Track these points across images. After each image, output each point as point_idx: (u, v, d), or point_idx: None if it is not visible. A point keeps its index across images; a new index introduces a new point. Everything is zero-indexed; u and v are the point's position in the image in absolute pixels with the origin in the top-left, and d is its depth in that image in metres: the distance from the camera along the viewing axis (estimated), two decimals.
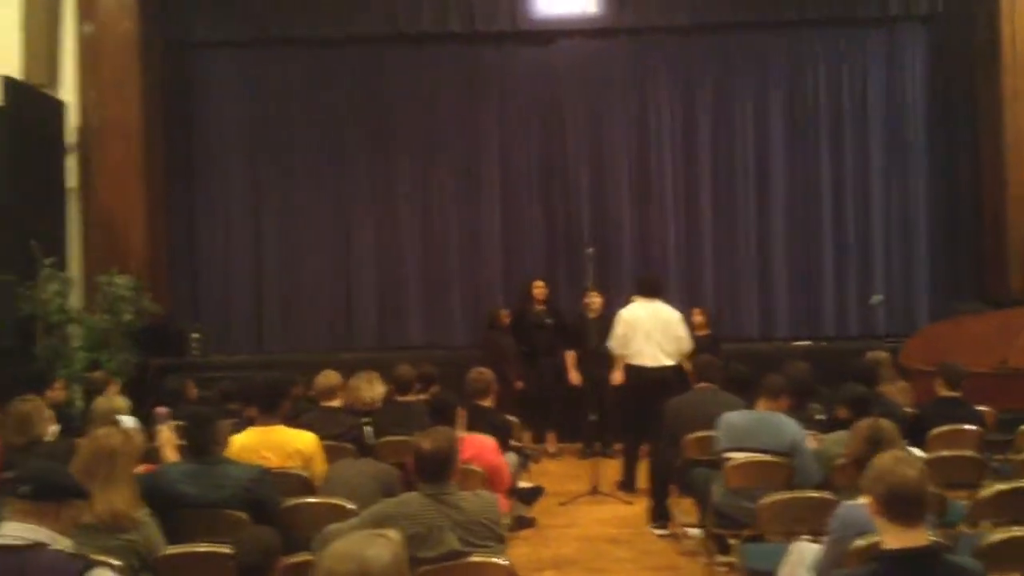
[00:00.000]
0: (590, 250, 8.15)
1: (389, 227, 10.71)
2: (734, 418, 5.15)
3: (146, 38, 9.74)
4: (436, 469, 3.46)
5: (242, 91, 10.70)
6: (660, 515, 6.44)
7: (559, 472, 8.12)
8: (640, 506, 6.98)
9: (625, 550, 6.05)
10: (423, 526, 3.32)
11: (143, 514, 3.49)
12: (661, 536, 6.33)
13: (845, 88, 10.59)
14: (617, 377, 8.25)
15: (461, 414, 5.02)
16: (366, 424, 5.77)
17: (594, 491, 7.33)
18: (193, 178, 10.73)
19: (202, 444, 4.11)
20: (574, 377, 8.73)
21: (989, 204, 10.02)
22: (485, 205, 10.69)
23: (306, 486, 4.72)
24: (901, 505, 2.59)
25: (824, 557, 3.59)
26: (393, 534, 2.09)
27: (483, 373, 5.92)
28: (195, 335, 9.94)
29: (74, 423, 7.04)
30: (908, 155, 10.56)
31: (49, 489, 2.71)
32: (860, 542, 3.38)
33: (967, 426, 5.55)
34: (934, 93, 10.52)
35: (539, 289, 9.13)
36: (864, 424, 3.81)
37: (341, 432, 5.47)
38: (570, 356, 8.80)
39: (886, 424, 3.82)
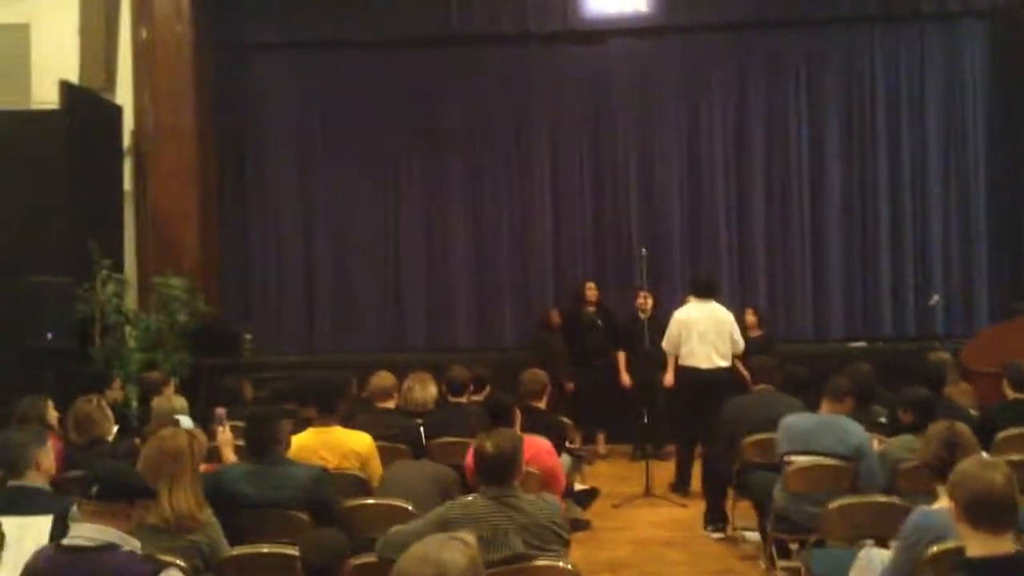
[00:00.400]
0: (644, 251, 8.07)
1: (439, 228, 10.70)
2: (797, 420, 5.05)
3: (200, 42, 9.88)
4: (499, 471, 3.43)
5: (295, 93, 10.76)
6: (716, 518, 6.36)
7: (611, 474, 8.07)
8: (694, 509, 6.91)
9: (680, 553, 5.98)
10: (487, 529, 3.28)
11: (207, 515, 3.50)
12: (717, 539, 6.26)
13: (903, 86, 10.36)
14: (669, 379, 8.21)
15: (518, 415, 4.98)
16: (420, 425, 5.80)
17: (647, 493, 7.27)
18: (245, 180, 10.81)
19: (263, 444, 4.13)
20: (625, 379, 8.69)
21: None
22: (536, 206, 10.63)
23: (362, 487, 4.74)
24: (986, 511, 2.51)
25: (894, 563, 3.50)
26: (469, 538, 2.06)
27: (537, 374, 5.88)
28: (247, 336, 10.03)
29: (131, 423, 7.17)
30: (968, 154, 10.30)
31: (119, 489, 2.72)
32: (935, 548, 3.31)
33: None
34: (995, 90, 10.25)
35: (591, 291, 9.10)
36: (940, 428, 3.68)
37: (395, 433, 5.46)
38: (621, 357, 8.75)
39: (962, 428, 3.70)
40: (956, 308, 10.23)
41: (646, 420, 7.67)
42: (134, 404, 8.03)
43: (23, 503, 3.46)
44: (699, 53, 10.56)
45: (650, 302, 8.57)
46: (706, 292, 7.39)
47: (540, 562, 3.30)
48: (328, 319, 10.77)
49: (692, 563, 5.76)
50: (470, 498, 3.49)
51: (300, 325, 10.76)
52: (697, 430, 7.28)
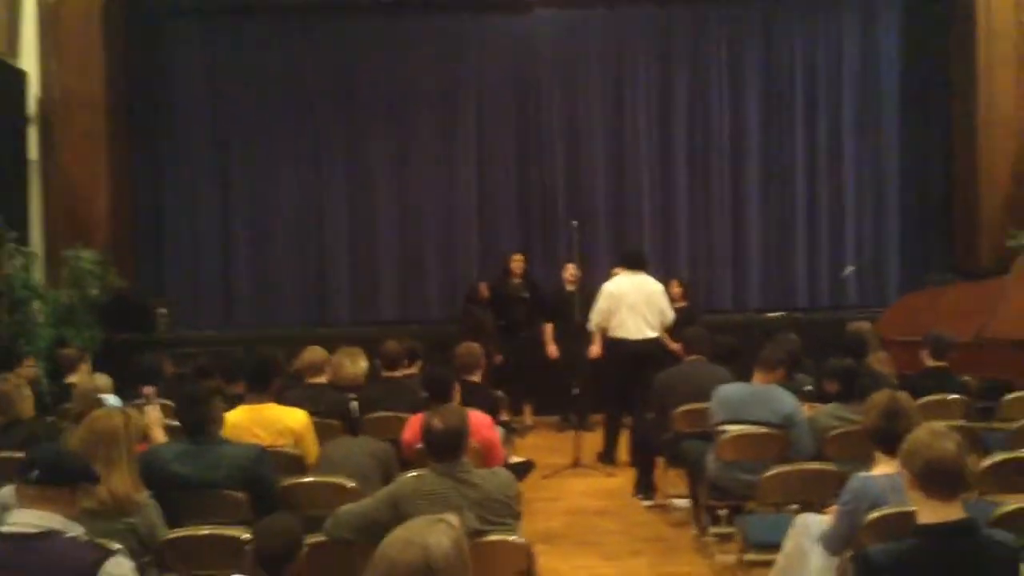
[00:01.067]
0: (575, 223, 8.07)
1: (363, 200, 10.53)
2: (730, 391, 5.14)
3: (110, 6, 9.44)
4: (449, 447, 3.39)
5: (209, 61, 10.43)
6: (646, 487, 6.46)
7: (539, 445, 8.09)
8: (622, 478, 7.01)
9: (613, 522, 6.05)
10: (440, 505, 3.24)
11: (144, 497, 3.38)
12: (647, 507, 6.34)
13: (820, 61, 10.59)
14: (595, 350, 8.26)
15: (457, 390, 4.95)
16: (352, 400, 5.71)
17: (576, 464, 7.33)
18: (159, 150, 10.44)
19: (198, 423, 4.00)
20: (552, 350, 8.71)
21: (960, 177, 10.12)
22: (461, 178, 10.55)
23: (298, 464, 4.64)
24: (939, 479, 2.58)
25: (835, 528, 3.59)
26: (453, 519, 2.02)
27: (472, 348, 5.84)
28: (162, 310, 9.72)
29: (44, 401, 6.88)
30: (881, 128, 10.60)
31: (60, 473, 2.59)
32: (875, 514, 3.40)
33: (953, 396, 5.59)
34: (908, 66, 10.55)
35: (517, 263, 9.08)
36: (882, 397, 3.75)
37: (328, 409, 5.36)
38: (548, 329, 8.76)
39: (904, 397, 3.80)
40: (868, 279, 10.57)
41: (576, 391, 7.69)
42: (44, 382, 7.72)
43: None
44: (624, 26, 10.57)
45: (577, 274, 8.63)
46: (636, 264, 7.42)
47: (494, 537, 3.28)
48: (247, 293, 10.53)
49: (626, 531, 5.83)
50: (419, 474, 3.44)
51: (217, 300, 10.51)
52: (626, 401, 7.37)
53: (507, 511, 3.36)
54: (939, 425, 2.84)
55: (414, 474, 3.46)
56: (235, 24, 10.39)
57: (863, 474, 3.55)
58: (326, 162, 10.56)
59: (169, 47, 10.39)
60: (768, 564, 4.44)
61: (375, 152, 10.53)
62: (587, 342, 8.13)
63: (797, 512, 4.33)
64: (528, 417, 9.02)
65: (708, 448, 5.34)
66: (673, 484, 6.31)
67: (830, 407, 5.03)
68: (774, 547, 4.18)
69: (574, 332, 8.36)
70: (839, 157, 10.63)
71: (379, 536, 3.33)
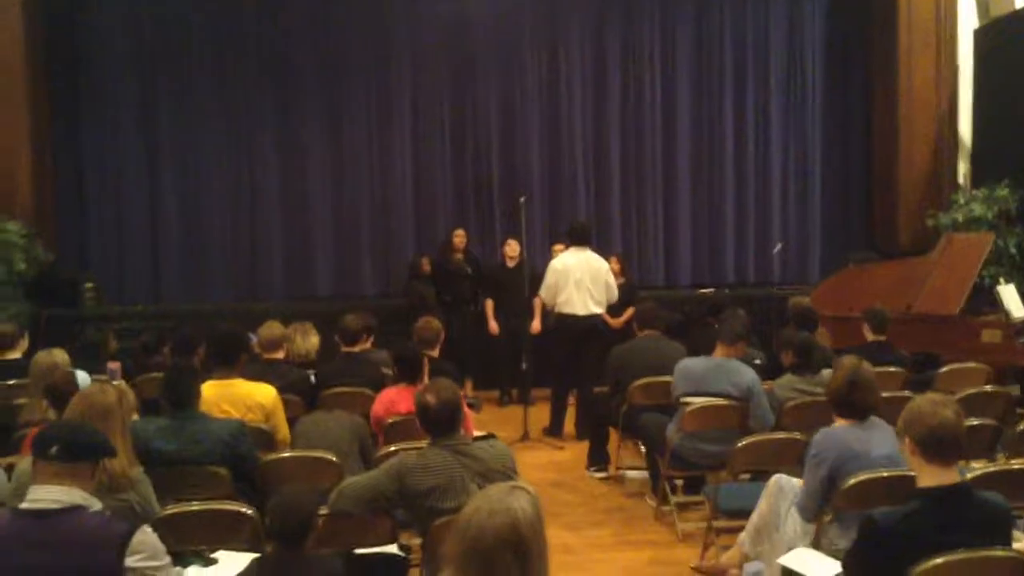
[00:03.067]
0: (522, 199, 8.10)
1: (296, 172, 10.32)
2: (692, 364, 5.28)
3: None
4: (446, 421, 3.42)
5: (133, 25, 10.03)
6: (599, 459, 6.57)
7: (483, 420, 8.09)
8: (571, 451, 7.13)
9: (571, 494, 6.16)
10: (443, 477, 3.28)
11: (138, 472, 3.31)
12: (600, 479, 6.47)
13: (749, 41, 10.81)
14: (536, 325, 8.39)
15: (425, 365, 4.96)
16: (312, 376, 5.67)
17: (525, 437, 7.42)
18: (80, 118, 10.02)
19: (179, 399, 3.94)
20: (493, 326, 8.76)
21: (880, 159, 10.53)
22: (395, 152, 10.43)
23: (268, 440, 4.60)
24: (940, 446, 2.73)
25: (807, 484, 3.78)
26: (527, 484, 2.06)
27: (431, 323, 5.85)
28: (88, 284, 9.40)
29: None
30: (806, 110, 10.93)
31: (82, 448, 2.53)
32: (852, 480, 3.58)
33: (894, 368, 5.86)
34: (832, 48, 10.87)
35: (459, 238, 9.09)
36: (848, 365, 3.94)
37: (287, 384, 5.32)
38: (489, 305, 8.80)
39: (866, 369, 3.99)
40: (793, 256, 10.92)
41: (524, 366, 7.77)
42: None
43: None
44: (558, 2, 10.59)
45: (517, 250, 8.69)
46: (582, 240, 7.52)
47: None
48: (175, 267, 10.24)
49: (584, 503, 5.95)
50: (420, 449, 3.46)
51: (145, 273, 10.19)
52: (573, 375, 7.49)
53: (507, 481, 3.40)
54: (937, 395, 2.99)
55: (414, 448, 3.48)
56: None
57: (824, 428, 3.79)
58: (257, 132, 10.29)
59: (90, 11, 9.95)
60: (736, 530, 4.63)
61: (308, 124, 10.32)
62: (526, 318, 8.30)
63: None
64: (469, 392, 9.05)
65: (663, 420, 5.50)
66: (626, 456, 6.46)
67: (787, 379, 5.23)
68: (745, 514, 4.36)
69: (516, 308, 8.45)
70: (766, 139, 10.92)
71: (382, 509, 3.39)
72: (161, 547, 2.57)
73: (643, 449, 6.51)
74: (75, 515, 2.46)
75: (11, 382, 5.46)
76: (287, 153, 10.31)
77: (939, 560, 2.67)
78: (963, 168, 9.89)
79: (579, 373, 7.43)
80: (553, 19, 10.62)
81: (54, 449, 2.48)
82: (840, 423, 3.83)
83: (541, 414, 7.79)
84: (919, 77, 9.85)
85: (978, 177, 9.49)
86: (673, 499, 5.43)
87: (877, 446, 3.68)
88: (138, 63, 10.08)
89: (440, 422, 3.41)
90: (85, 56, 10.00)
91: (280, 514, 2.84)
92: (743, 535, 4.15)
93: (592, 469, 6.56)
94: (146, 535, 2.52)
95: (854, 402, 3.79)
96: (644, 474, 6.14)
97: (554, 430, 7.61)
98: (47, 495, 2.47)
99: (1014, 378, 7.10)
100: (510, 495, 1.95)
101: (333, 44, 10.29)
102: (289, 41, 10.23)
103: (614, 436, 6.48)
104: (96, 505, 2.54)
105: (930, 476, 2.76)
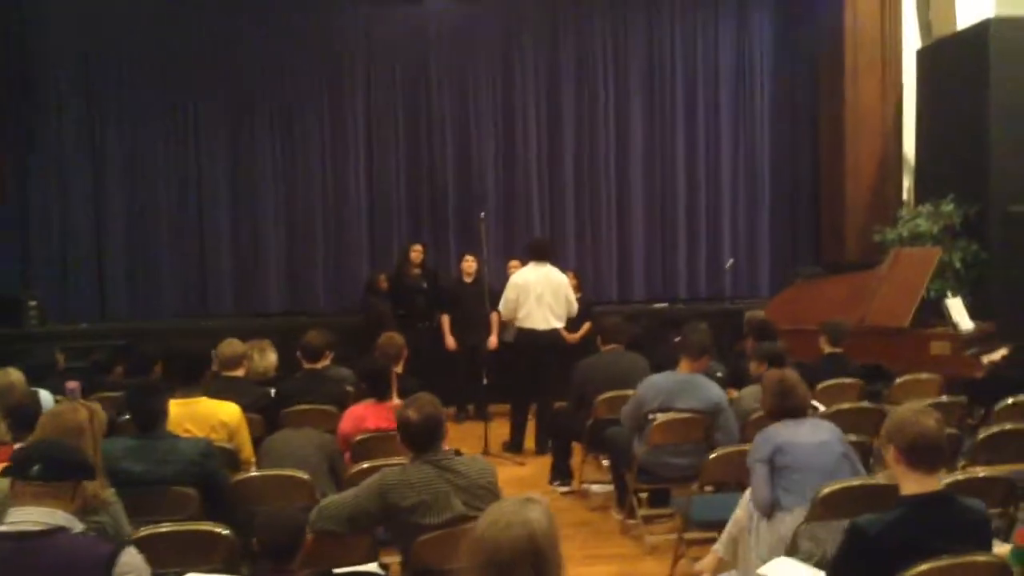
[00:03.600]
0: (483, 214, 8.10)
1: (246, 187, 10.17)
2: (659, 380, 5.29)
3: None
4: (427, 437, 3.38)
5: (80, 35, 9.79)
6: (562, 473, 6.57)
7: None
8: (532, 466, 7.12)
9: None
10: (428, 493, 3.24)
11: (110, 494, 3.21)
12: (564, 493, 6.46)
13: (699, 61, 10.97)
14: (493, 341, 8.39)
15: (394, 380, 4.91)
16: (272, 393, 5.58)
17: (485, 453, 7.38)
18: (21, 131, 9.75)
19: (147, 418, 3.83)
20: (450, 342, 8.71)
21: (828, 176, 10.74)
22: (349, 167, 10.35)
23: (233, 459, 4.51)
24: (923, 454, 2.78)
25: (754, 481, 3.96)
26: (540, 497, 2.04)
27: (394, 338, 5.81)
28: (32, 303, 9.14)
29: None
30: (754, 129, 11.11)
31: (64, 468, 2.45)
32: (825, 490, 3.63)
33: (850, 380, 5.97)
34: (780, 67, 11.08)
35: (416, 253, 9.03)
36: (772, 377, 4.13)
37: (249, 402, 5.22)
38: (446, 320, 8.76)
39: (791, 374, 4.13)
40: (742, 272, 11.07)
41: (485, 381, 7.73)
42: None
43: None
44: (512, 20, 10.63)
45: (475, 265, 8.69)
46: (542, 255, 7.53)
47: None
48: (121, 284, 10.00)
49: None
50: (402, 465, 3.41)
51: (89, 290, 9.92)
52: (533, 390, 7.48)
53: (490, 496, 3.38)
54: (919, 403, 3.05)
55: (396, 465, 3.44)
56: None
57: (763, 430, 4.03)
58: (205, 147, 10.12)
59: (34, 12, 9.70)
60: (708, 542, 4.65)
61: (259, 138, 10.18)
62: (483, 333, 8.31)
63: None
64: None
65: (630, 434, 5.52)
66: (589, 471, 6.46)
67: (752, 390, 5.28)
68: (717, 525, 4.38)
69: (474, 324, 8.43)
70: (716, 155, 11.07)
71: (365, 527, 3.34)
72: (146, 567, 2.50)
73: (605, 463, 6.56)
74: (58, 537, 2.38)
75: None
76: (237, 168, 10.17)
77: (924, 566, 2.71)
78: (907, 183, 10.14)
79: (539, 388, 7.43)
80: (507, 37, 10.66)
81: (35, 469, 2.40)
82: (778, 425, 4.04)
83: (500, 429, 7.76)
84: (865, 95, 10.08)
85: (921, 193, 9.73)
86: (640, 512, 5.44)
87: (808, 435, 3.95)
88: (81, 76, 9.86)
89: (422, 437, 3.38)
90: (30, 71, 9.73)
91: (269, 530, 2.79)
92: (718, 544, 4.18)
93: (555, 484, 6.55)
94: (131, 556, 2.44)
95: (788, 408, 4.06)
96: (608, 488, 6.15)
97: (514, 445, 7.59)
98: (28, 516, 2.38)
99: (961, 389, 7.28)
100: (525, 507, 1.93)
101: (284, 57, 10.19)
102: (239, 55, 10.09)
103: (577, 451, 6.48)
104: (78, 527, 2.46)
105: (914, 483, 2.80)
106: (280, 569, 2.77)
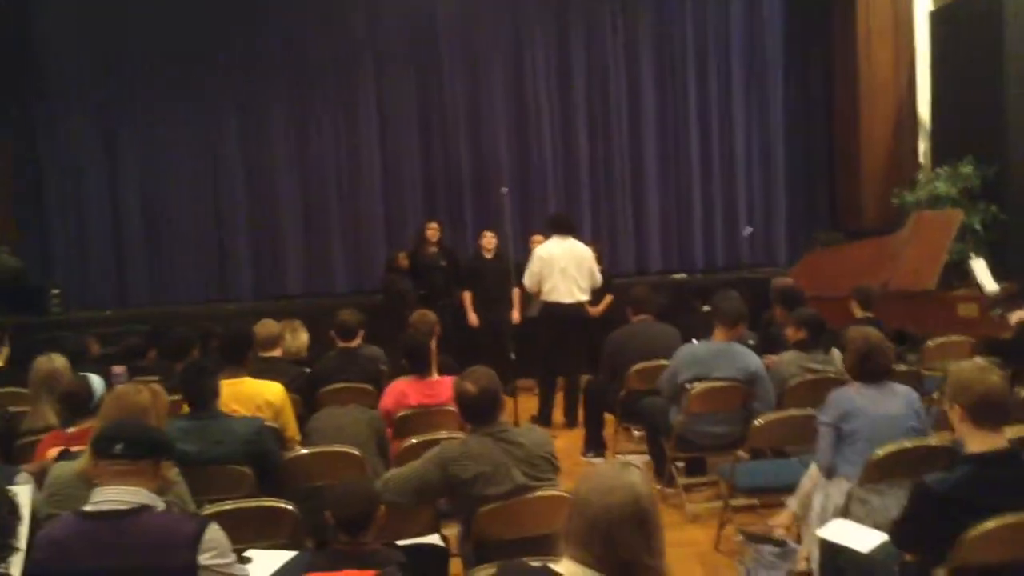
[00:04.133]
0: (504, 190, 8.09)
1: (262, 171, 10.14)
2: (696, 350, 5.30)
3: None
4: (486, 409, 3.42)
5: (93, 21, 9.72)
6: (596, 444, 6.60)
7: None
8: (563, 439, 7.13)
9: (570, 481, 6.13)
10: (488, 465, 3.27)
11: (175, 474, 3.23)
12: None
13: (710, 28, 10.91)
14: (516, 316, 8.41)
15: (434, 355, 4.94)
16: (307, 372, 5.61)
17: (515, 426, 7.39)
18: (38, 118, 9.72)
19: (201, 399, 3.86)
20: (472, 318, 8.72)
21: (842, 141, 10.72)
22: (363, 147, 10.31)
23: (280, 438, 4.54)
24: (989, 411, 2.80)
25: (822, 438, 3.94)
26: (636, 460, 2.07)
27: (427, 315, 5.83)
28: (54, 291, 9.16)
29: None
30: (767, 95, 11.06)
31: (145, 446, 2.47)
32: (880, 452, 3.65)
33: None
34: (791, 33, 11.01)
35: (432, 231, 9.02)
36: (856, 336, 4.07)
37: (288, 382, 5.25)
38: (467, 297, 8.77)
39: (875, 334, 4.10)
40: (759, 240, 11.06)
41: (513, 356, 7.73)
42: None
43: None
44: None
45: (494, 241, 8.70)
46: (565, 229, 7.54)
47: (541, 492, 3.33)
48: (141, 270, 9.99)
49: None
50: (462, 438, 3.44)
51: (109, 276, 9.93)
52: (560, 363, 7.51)
53: (549, 466, 3.42)
54: (981, 361, 3.06)
55: (456, 438, 3.47)
56: None
57: (837, 390, 3.99)
58: (222, 129, 10.08)
59: (45, 16, 9.66)
60: (751, 508, 4.69)
61: (273, 122, 10.15)
62: (504, 309, 8.32)
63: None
64: None
65: (664, 403, 5.54)
66: (621, 442, 6.50)
67: (790, 355, 5.29)
68: (763, 491, 4.42)
69: (496, 299, 8.44)
70: (729, 123, 11.03)
71: (429, 498, 3.37)
72: (228, 544, 2.52)
73: (638, 434, 6.59)
74: (144, 515, 2.40)
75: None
76: (253, 151, 10.14)
77: (991, 523, 2.74)
78: (923, 147, 10.11)
79: (566, 361, 7.45)
80: (518, 10, 10.59)
81: (119, 447, 2.41)
82: (853, 385, 3.96)
83: (527, 404, 7.79)
84: (878, 59, 10.05)
85: (938, 156, 9.71)
86: (682, 481, 5.47)
87: (882, 406, 3.87)
88: (97, 61, 9.81)
89: (481, 410, 3.40)
90: (41, 55, 9.69)
91: (346, 503, 2.81)
92: (792, 498, 4.17)
93: (589, 455, 6.59)
94: (215, 532, 2.47)
95: (871, 368, 3.98)
96: (642, 458, 6.17)
97: (543, 418, 7.61)
98: (114, 496, 2.41)
99: (988, 350, 7.29)
100: (624, 471, 1.96)
101: (298, 40, 10.15)
102: (253, 38, 10.06)
103: (610, 422, 6.51)
104: (160, 505, 2.49)
105: (980, 441, 2.83)
106: (354, 541, 2.80)
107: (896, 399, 3.93)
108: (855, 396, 3.91)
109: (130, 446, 2.43)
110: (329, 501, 2.87)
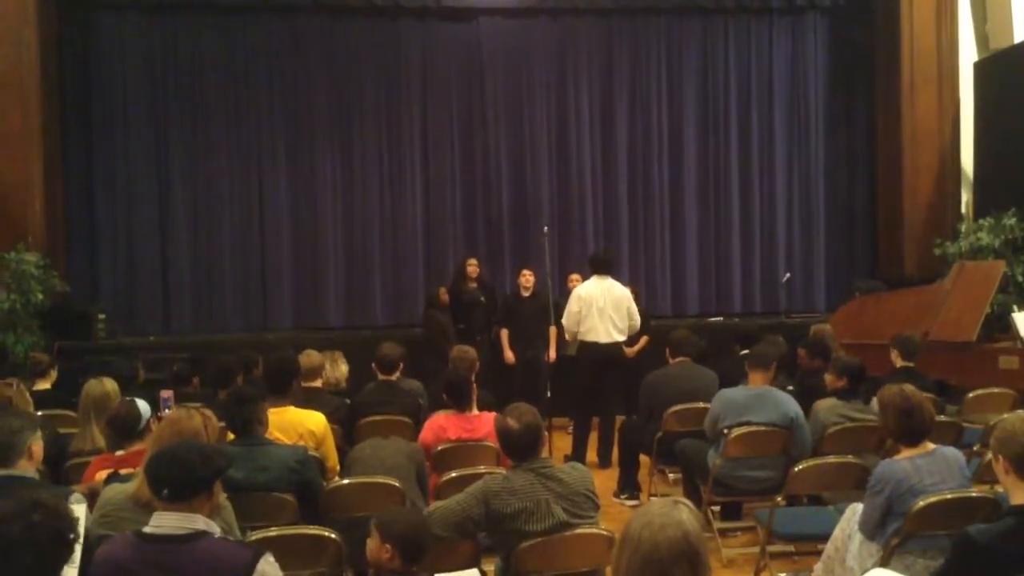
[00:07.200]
0: (545, 229, 8.18)
1: (306, 202, 10.37)
2: (734, 395, 5.29)
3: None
4: (528, 445, 3.46)
5: (148, 55, 10.07)
6: (629, 486, 6.60)
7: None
8: (596, 479, 7.09)
9: (603, 521, 6.11)
10: (529, 500, 3.31)
11: (223, 499, 3.30)
12: (632, 507, 6.47)
13: (753, 75, 10.99)
14: (552, 355, 8.44)
15: (475, 391, 4.99)
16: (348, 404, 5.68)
17: None
18: (92, 147, 10.03)
19: (247, 425, 3.94)
20: (509, 355, 8.76)
21: (885, 190, 10.69)
22: (406, 182, 10.50)
23: (321, 468, 4.60)
24: None
25: (866, 512, 3.81)
26: (681, 499, 2.10)
27: (467, 351, 5.89)
28: (101, 316, 9.35)
29: None
30: (809, 142, 11.08)
31: (190, 487, 2.53)
32: (920, 503, 3.62)
33: (925, 395, 5.91)
34: (835, 82, 11.06)
35: (472, 267, 9.12)
36: (893, 394, 3.91)
37: (329, 412, 5.32)
38: (504, 334, 8.82)
39: (912, 389, 4.02)
40: (797, 286, 11.03)
41: (549, 395, 7.76)
42: None
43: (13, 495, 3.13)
44: (568, 36, 10.74)
45: (532, 279, 8.77)
46: (604, 269, 7.57)
47: (581, 530, 3.36)
48: (186, 298, 10.21)
49: (619, 531, 5.92)
50: (504, 473, 3.49)
51: (155, 304, 10.14)
52: (595, 403, 7.52)
53: (590, 504, 3.45)
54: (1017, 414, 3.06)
55: (499, 473, 3.51)
56: (173, 19, 10.07)
57: (886, 460, 3.82)
58: (268, 165, 10.34)
59: (105, 39, 10.01)
60: (788, 555, 4.67)
61: (319, 156, 10.38)
62: (541, 347, 8.36)
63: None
64: None
65: (702, 445, 5.54)
66: (657, 484, 6.48)
67: (829, 403, 5.28)
68: (801, 538, 4.40)
69: (532, 337, 8.49)
70: (771, 169, 11.06)
71: (471, 532, 3.41)
72: (280, 574, 2.57)
73: (672, 476, 6.58)
74: (201, 541, 2.46)
75: (39, 413, 5.42)
76: (298, 185, 10.37)
77: None
78: (966, 197, 10.07)
79: (601, 401, 7.46)
80: (561, 52, 10.76)
81: (165, 493, 2.50)
82: (902, 453, 3.85)
83: (561, 442, 7.80)
84: (922, 109, 10.04)
85: (980, 207, 9.67)
86: (718, 525, 5.45)
87: (929, 475, 3.70)
88: (150, 93, 10.12)
89: (523, 446, 3.45)
90: (97, 86, 10.02)
91: (410, 533, 2.86)
92: (818, 565, 4.12)
93: (623, 496, 6.58)
94: (269, 563, 2.52)
95: (914, 427, 3.82)
96: None
97: (577, 458, 7.59)
98: (172, 521, 2.47)
99: None
100: (676, 508, 1.99)
101: (343, 77, 10.40)
102: (301, 74, 10.31)
103: (645, 464, 6.51)
104: (216, 531, 2.55)
105: None
106: (408, 571, 2.84)
107: (947, 465, 3.75)
108: (908, 468, 3.70)
109: (175, 492, 2.50)
110: (388, 531, 2.91)
